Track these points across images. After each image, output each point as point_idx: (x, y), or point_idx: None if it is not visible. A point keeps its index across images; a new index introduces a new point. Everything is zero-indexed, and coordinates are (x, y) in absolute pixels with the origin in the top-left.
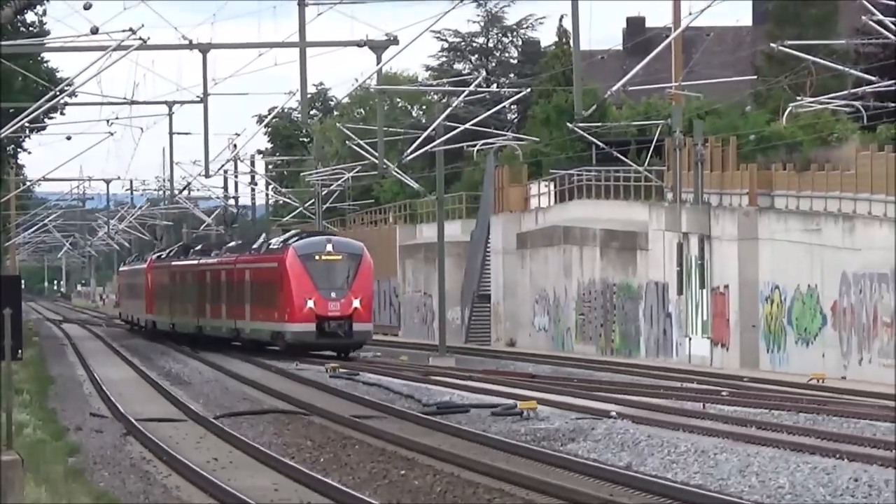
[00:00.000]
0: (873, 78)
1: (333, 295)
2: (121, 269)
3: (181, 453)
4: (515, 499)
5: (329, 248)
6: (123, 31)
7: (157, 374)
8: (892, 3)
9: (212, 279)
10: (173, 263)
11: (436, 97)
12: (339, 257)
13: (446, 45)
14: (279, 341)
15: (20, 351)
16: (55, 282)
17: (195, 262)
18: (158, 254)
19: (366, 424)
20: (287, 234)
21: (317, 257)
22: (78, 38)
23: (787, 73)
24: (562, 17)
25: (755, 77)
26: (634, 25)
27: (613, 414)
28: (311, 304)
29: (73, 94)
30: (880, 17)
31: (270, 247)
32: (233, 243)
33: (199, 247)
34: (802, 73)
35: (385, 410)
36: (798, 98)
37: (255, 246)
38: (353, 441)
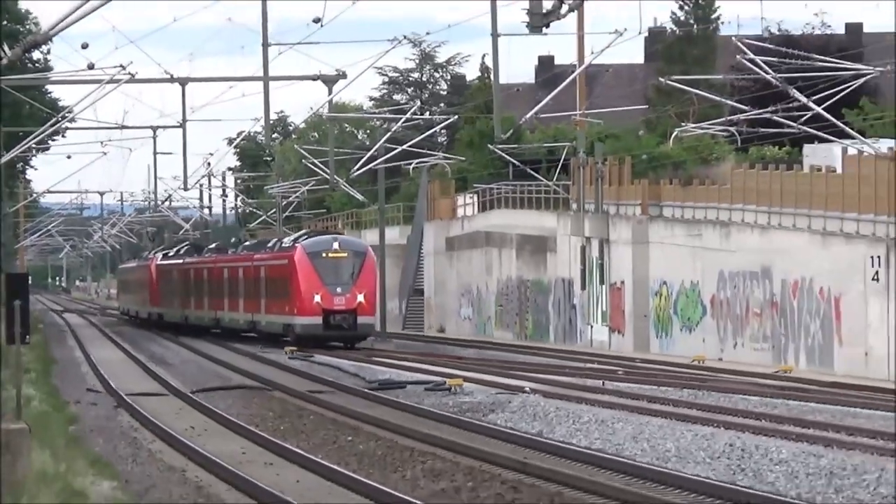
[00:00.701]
0: (746, 107)
1: (339, 290)
2: (120, 267)
3: (164, 423)
4: (444, 461)
5: (335, 246)
6: (115, 66)
7: (145, 357)
8: (762, 44)
9: (229, 275)
10: (186, 260)
11: (378, 123)
12: (345, 255)
13: (387, 80)
14: (290, 333)
15: (28, 336)
16: (57, 278)
17: (211, 259)
18: (164, 252)
19: (319, 398)
20: (297, 234)
21: (324, 255)
22: (77, 72)
23: (673, 104)
24: (484, 55)
25: (647, 106)
26: (545, 62)
27: (527, 389)
28: (318, 298)
29: (72, 120)
30: (752, 56)
31: (282, 245)
32: (248, 242)
33: (212, 245)
34: (686, 103)
35: (335, 387)
36: (683, 124)
37: (269, 244)
38: (309, 412)
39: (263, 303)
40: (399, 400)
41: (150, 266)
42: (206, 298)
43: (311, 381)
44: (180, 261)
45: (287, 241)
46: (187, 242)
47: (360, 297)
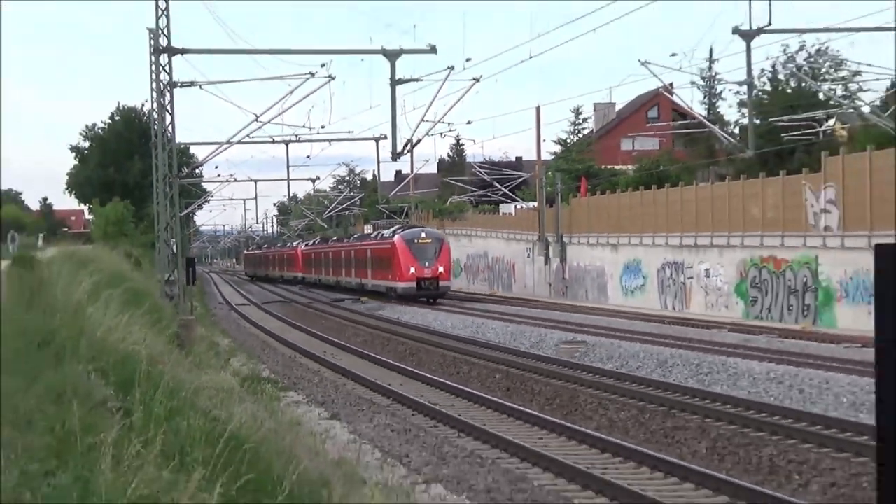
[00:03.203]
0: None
1: (426, 265)
2: (246, 253)
3: (249, 316)
4: (360, 328)
5: (423, 235)
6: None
7: (244, 291)
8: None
9: (345, 255)
10: (318, 245)
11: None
12: (429, 241)
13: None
14: (392, 293)
15: (194, 281)
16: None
17: (334, 245)
18: (305, 242)
19: (334, 309)
20: (393, 228)
21: (415, 241)
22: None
23: (454, 192)
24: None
25: (437, 190)
26: (399, 174)
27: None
28: (413, 270)
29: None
30: (478, 170)
31: (384, 236)
32: (357, 234)
33: (334, 238)
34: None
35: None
36: (456, 197)
37: (372, 236)
38: (324, 313)
39: (370, 272)
40: (358, 310)
41: (297, 250)
42: (331, 269)
43: (347, 311)
44: (316, 247)
45: (387, 233)
46: (319, 235)
47: (441, 269)
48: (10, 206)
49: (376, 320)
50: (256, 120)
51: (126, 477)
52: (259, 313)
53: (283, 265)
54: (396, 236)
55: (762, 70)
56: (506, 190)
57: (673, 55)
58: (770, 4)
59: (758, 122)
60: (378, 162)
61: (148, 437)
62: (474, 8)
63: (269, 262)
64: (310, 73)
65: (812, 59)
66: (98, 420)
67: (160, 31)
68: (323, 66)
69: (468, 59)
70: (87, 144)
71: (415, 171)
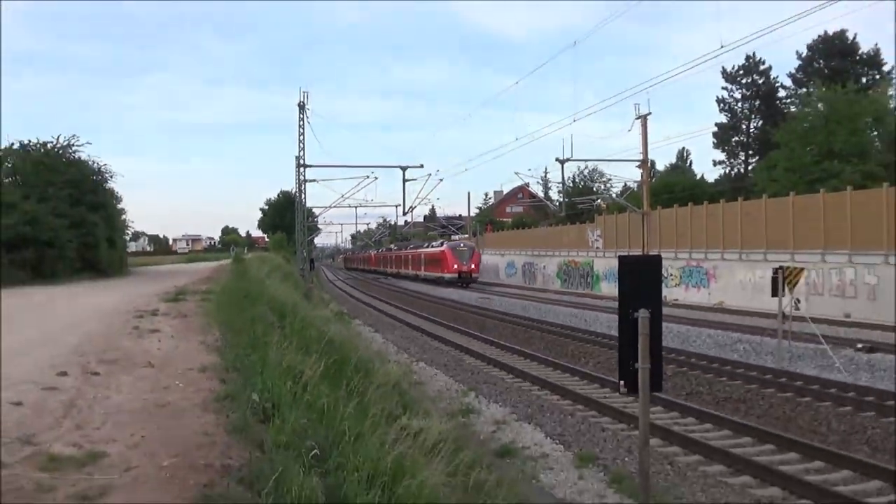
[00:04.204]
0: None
1: (464, 263)
2: (343, 257)
3: (340, 287)
4: (394, 292)
5: (462, 245)
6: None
7: (340, 277)
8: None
9: (403, 256)
10: (384, 251)
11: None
12: (466, 249)
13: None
14: (440, 281)
15: (314, 267)
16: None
17: (398, 251)
18: (376, 250)
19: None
20: (441, 240)
21: (457, 248)
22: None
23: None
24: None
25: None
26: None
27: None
28: (455, 266)
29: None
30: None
31: (433, 245)
32: (413, 242)
33: (393, 245)
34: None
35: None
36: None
37: (425, 246)
38: (377, 285)
39: (423, 267)
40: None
41: (370, 253)
42: (395, 266)
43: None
44: (385, 251)
45: (436, 244)
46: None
47: (472, 266)
48: (232, 235)
49: (406, 292)
50: (342, 197)
51: (282, 356)
52: (344, 285)
53: (362, 262)
54: (445, 244)
55: (569, 176)
56: (454, 230)
57: (529, 170)
58: (572, 146)
59: (567, 200)
60: (396, 215)
61: (292, 339)
62: (442, 143)
63: (355, 261)
64: (366, 176)
65: (591, 171)
66: (269, 331)
67: (301, 154)
68: (371, 174)
69: (438, 170)
70: (266, 207)
71: (413, 219)
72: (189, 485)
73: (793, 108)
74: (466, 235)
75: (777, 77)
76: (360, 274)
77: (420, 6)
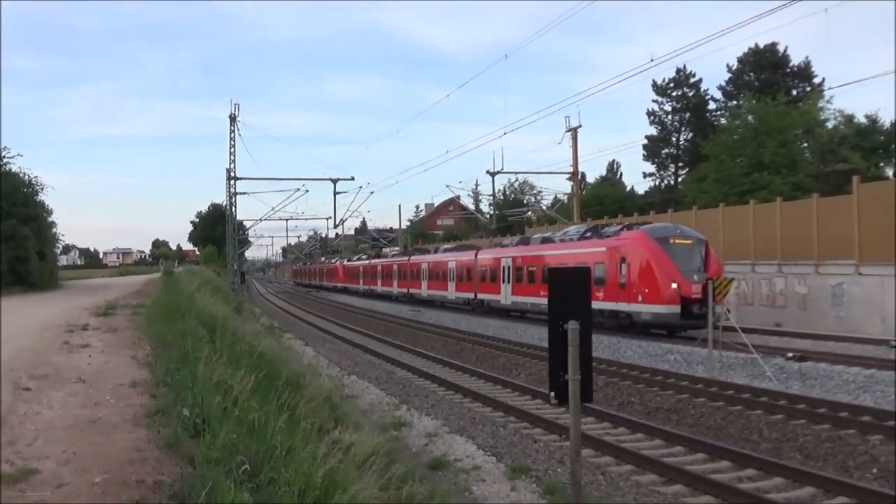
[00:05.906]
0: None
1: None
2: (294, 268)
3: (269, 298)
4: (322, 304)
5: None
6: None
7: (273, 289)
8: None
9: (322, 270)
10: (356, 259)
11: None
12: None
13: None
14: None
15: (245, 280)
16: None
17: (377, 261)
18: (343, 260)
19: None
20: (449, 245)
21: (476, 253)
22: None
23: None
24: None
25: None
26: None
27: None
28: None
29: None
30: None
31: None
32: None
33: (364, 255)
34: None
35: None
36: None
37: (435, 249)
38: (303, 297)
39: (452, 284)
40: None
41: (336, 265)
42: (316, 277)
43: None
44: (304, 266)
45: (442, 248)
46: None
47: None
48: (162, 248)
49: (329, 302)
50: (273, 209)
51: (212, 371)
52: (274, 297)
53: (320, 276)
54: (477, 251)
55: (500, 189)
56: (385, 243)
57: (460, 182)
58: (503, 159)
59: (498, 212)
60: (327, 228)
61: (222, 354)
62: (373, 156)
63: (307, 274)
64: (297, 188)
65: (522, 184)
66: (200, 345)
67: (231, 167)
68: (302, 186)
69: (369, 183)
70: (197, 220)
71: (344, 232)
72: (121, 501)
73: (723, 121)
74: (398, 249)
75: (707, 89)
76: (318, 292)
77: (352, 19)
